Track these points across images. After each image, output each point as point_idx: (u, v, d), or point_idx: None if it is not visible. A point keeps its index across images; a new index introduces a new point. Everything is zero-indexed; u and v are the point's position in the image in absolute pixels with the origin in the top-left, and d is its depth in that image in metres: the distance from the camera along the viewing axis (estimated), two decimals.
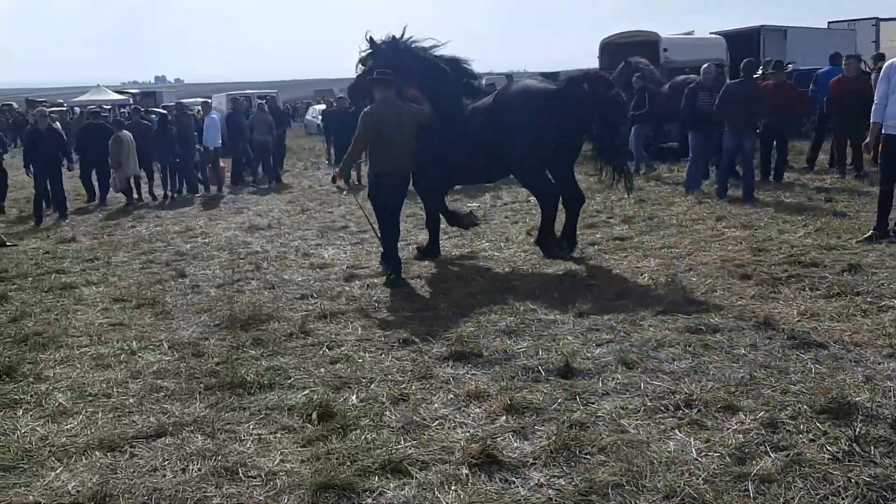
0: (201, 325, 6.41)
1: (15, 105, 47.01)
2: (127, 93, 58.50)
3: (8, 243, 11.06)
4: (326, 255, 9.15)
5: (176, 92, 69.18)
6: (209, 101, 21.81)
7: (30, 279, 8.61)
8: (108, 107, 38.38)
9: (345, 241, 10.05)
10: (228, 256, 9.42)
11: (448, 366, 5.05)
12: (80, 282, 8.34)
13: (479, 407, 4.29)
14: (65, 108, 37.69)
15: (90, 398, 4.89)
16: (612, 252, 8.19)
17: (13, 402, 4.85)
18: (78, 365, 5.54)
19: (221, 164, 16.85)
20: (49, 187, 13.32)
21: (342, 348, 5.61)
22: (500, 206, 11.97)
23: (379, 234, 7.97)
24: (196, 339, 6.03)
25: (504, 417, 4.11)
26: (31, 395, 4.96)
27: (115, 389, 5.02)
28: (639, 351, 5.01)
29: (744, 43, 20.91)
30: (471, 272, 7.74)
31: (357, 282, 7.69)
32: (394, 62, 7.95)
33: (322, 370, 5.17)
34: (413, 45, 8.27)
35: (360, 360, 5.28)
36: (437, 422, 4.15)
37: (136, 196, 15.10)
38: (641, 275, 7.11)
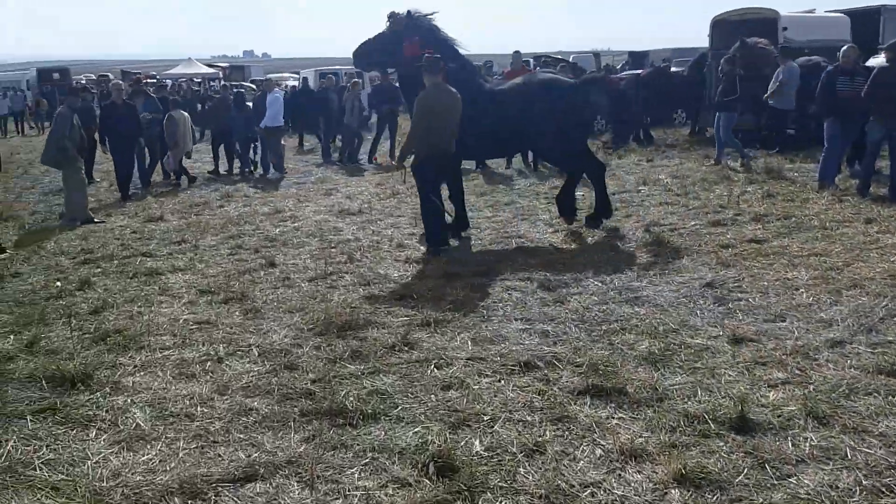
0: (293, 329, 5.75)
1: (111, 76, 48.11)
2: (217, 66, 59.28)
3: (96, 220, 10.75)
4: (422, 248, 8.41)
5: (264, 67, 69.85)
6: (270, 78, 20.89)
7: (115, 262, 8.17)
8: (199, 80, 38.70)
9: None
10: (319, 244, 8.78)
11: (586, 403, 4.21)
12: (166, 268, 7.84)
13: (640, 472, 3.44)
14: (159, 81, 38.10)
15: (171, 419, 4.27)
16: (751, 258, 7.15)
17: (87, 420, 4.27)
18: (160, 373, 4.96)
19: (283, 143, 16.24)
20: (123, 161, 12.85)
21: (452, 368, 4.84)
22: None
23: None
24: (288, 346, 5.37)
25: (677, 492, 3.25)
26: (107, 411, 4.38)
27: (199, 409, 4.38)
28: (827, 399, 4.06)
29: (863, 23, 19.09)
30: (584, 271, 6.86)
31: (459, 282, 6.91)
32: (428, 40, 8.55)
33: (433, 397, 4.41)
34: (433, 24, 8.81)
35: (477, 388, 4.50)
36: (588, 490, 3.32)
37: (191, 176, 14.61)
38: (796, 289, 6.08)
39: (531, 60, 24.93)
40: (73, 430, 4.17)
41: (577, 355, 4.91)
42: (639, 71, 24.42)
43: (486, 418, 4.07)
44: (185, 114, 14.54)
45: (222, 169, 15.59)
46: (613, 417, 4.02)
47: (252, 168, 15.61)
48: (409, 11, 8.70)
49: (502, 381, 4.58)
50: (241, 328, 5.83)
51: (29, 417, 4.29)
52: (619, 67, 35.95)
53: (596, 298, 6.18)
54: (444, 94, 7.91)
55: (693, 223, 8.83)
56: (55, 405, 4.43)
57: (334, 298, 6.51)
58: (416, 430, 3.99)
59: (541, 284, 6.63)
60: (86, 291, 7.05)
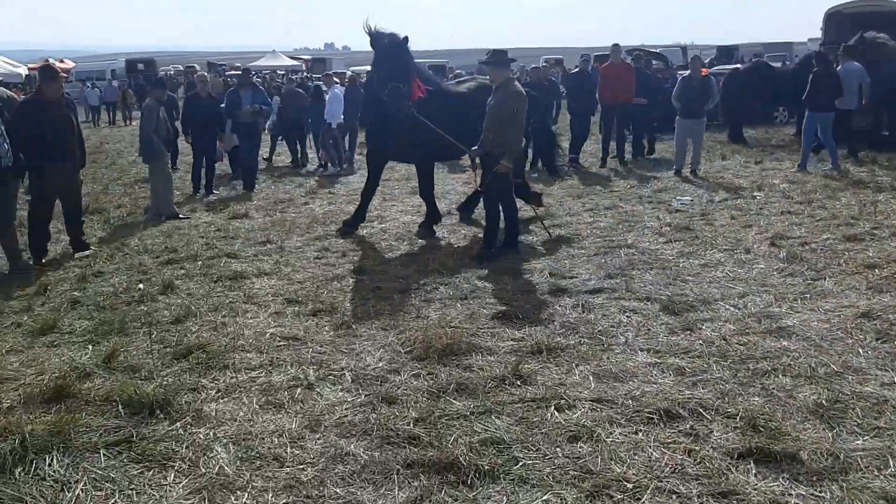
0: (389, 351, 5.17)
1: (197, 67, 49.00)
2: (299, 59, 59.85)
3: (181, 215, 10.47)
4: (523, 253, 7.74)
5: (345, 59, 70.21)
6: (330, 73, 20.15)
7: (199, 263, 7.78)
8: (283, 72, 38.88)
9: (535, 237, 8.60)
10: (408, 248, 8.22)
11: (750, 471, 3.47)
12: (252, 271, 7.40)
13: None
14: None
15: (258, 461, 3.74)
16: None
17: (165, 458, 3.77)
18: (245, 400, 4.44)
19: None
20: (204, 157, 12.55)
21: (576, 413, 4.15)
22: (720, 203, 10.04)
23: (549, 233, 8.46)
24: (384, 372, 4.79)
25: None
26: (188, 447, 3.87)
27: (288, 450, 3.83)
28: None
29: None
30: (710, 291, 6.05)
31: (568, 299, 6.22)
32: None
33: (559, 451, 3.74)
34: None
35: (610, 442, 3.81)
36: None
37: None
38: None
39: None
40: (149, 469, 3.68)
41: (726, 403, 4.15)
42: (736, 66, 23.12)
43: (629, 486, 3.37)
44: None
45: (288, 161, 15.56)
46: (790, 494, 3.27)
47: (304, 162, 15.64)
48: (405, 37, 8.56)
49: (640, 434, 3.87)
50: (333, 347, 5.29)
51: (102, 452, 3.82)
52: (706, 62, 34.37)
53: (732, 327, 5.39)
54: (521, 93, 7.66)
55: (825, 237, 7.88)
56: (131, 437, 3.95)
57: (431, 315, 5.90)
58: (545, 497, 3.33)
59: (664, 306, 5.88)
60: (168, 296, 6.65)
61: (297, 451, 3.82)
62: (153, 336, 5.49)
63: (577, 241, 8.26)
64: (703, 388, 4.38)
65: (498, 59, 7.75)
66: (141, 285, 6.96)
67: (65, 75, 32.85)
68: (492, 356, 5.01)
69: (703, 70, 13.25)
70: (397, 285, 6.79)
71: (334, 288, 6.78)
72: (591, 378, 4.62)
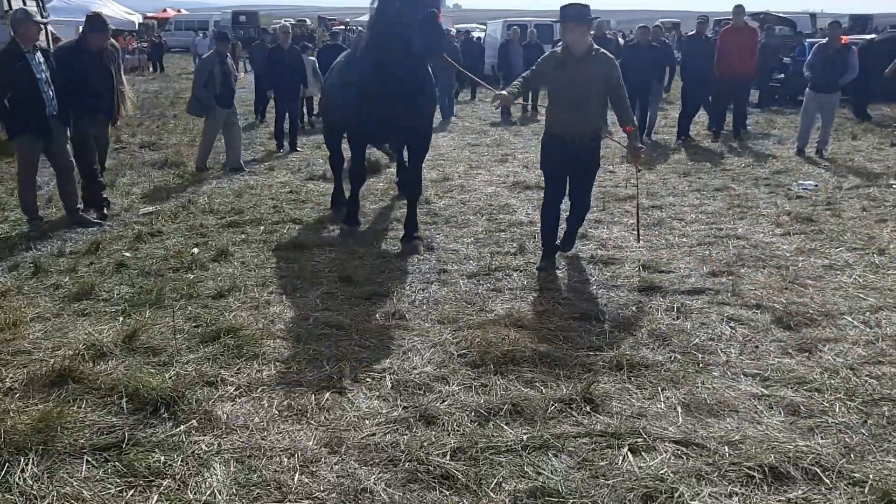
0: (440, 351, 4.44)
1: (308, 22, 49.06)
2: None
3: (246, 170, 10.09)
4: (613, 238, 6.83)
5: (453, 16, 68.99)
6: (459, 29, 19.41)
7: (261, 228, 7.25)
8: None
9: (632, 217, 7.62)
10: (486, 226, 7.43)
11: None
12: (314, 241, 6.82)
13: None
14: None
15: (256, 490, 3.10)
16: None
17: (153, 474, 3.18)
18: (265, 402, 3.82)
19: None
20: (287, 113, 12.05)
21: (655, 459, 3.32)
22: (849, 192, 8.74)
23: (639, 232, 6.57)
24: (430, 380, 4.07)
25: None
26: (183, 461, 3.28)
27: (296, 476, 3.18)
28: None
29: None
30: (836, 302, 5.02)
31: (661, 299, 5.32)
32: None
33: None
34: None
35: None
36: None
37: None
38: None
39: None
40: (132, 487, 3.10)
41: (852, 462, 3.23)
42: (870, 36, 20.93)
43: None
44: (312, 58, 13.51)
45: None
46: None
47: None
48: None
49: (735, 500, 3.01)
50: (378, 341, 4.61)
51: (87, 458, 3.28)
52: None
53: (862, 352, 4.38)
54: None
55: None
56: (123, 441, 3.40)
57: (497, 309, 5.13)
58: None
59: (776, 318, 4.89)
60: (220, 264, 6.14)
61: (307, 480, 3.17)
62: (187, 312, 4.99)
63: (679, 228, 7.27)
64: (821, 438, 3.45)
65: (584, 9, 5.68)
66: (195, 250, 6.50)
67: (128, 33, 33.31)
68: (560, 369, 4.20)
69: (843, 38, 11.68)
70: (465, 268, 6.04)
71: (395, 267, 6.10)
72: (680, 409, 3.75)
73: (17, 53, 6.79)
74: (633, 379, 4.08)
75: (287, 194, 8.83)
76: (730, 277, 5.71)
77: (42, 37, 10.46)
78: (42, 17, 12.91)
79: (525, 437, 3.46)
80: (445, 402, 3.82)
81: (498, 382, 4.03)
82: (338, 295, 5.42)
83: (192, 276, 5.80)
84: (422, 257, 6.36)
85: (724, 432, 3.51)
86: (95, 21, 7.50)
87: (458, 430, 3.53)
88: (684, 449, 3.38)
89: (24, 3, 11.98)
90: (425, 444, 3.41)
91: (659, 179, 9.53)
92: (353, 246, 6.68)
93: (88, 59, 7.37)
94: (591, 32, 6.26)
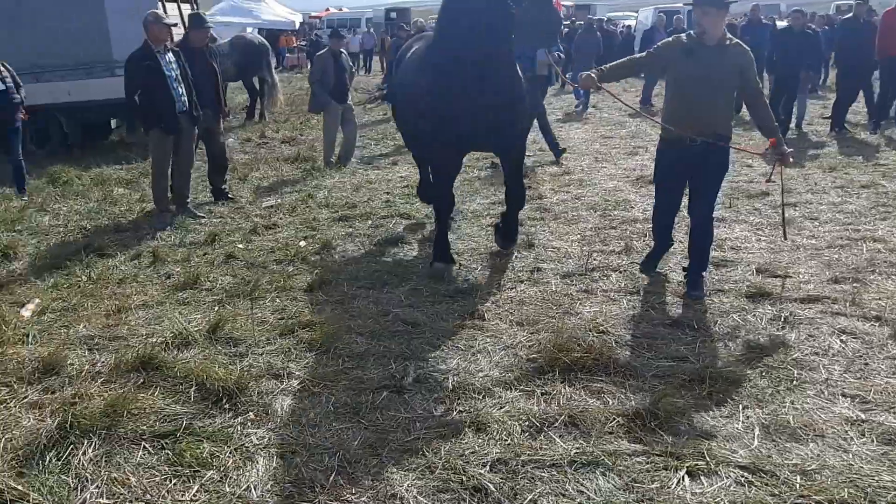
0: (510, 354, 4.29)
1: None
2: (563, 5, 58.22)
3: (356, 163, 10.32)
4: (732, 238, 6.35)
5: (609, 5, 67.31)
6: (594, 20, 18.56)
7: (369, 223, 7.36)
8: None
9: (759, 216, 7.07)
10: (598, 222, 7.13)
11: None
12: (415, 236, 6.84)
13: None
14: None
15: (290, 488, 3.11)
16: None
17: (201, 464, 3.27)
18: (323, 399, 3.84)
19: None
20: None
21: (713, 486, 3.02)
22: None
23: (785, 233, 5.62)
24: (492, 384, 3.93)
25: None
26: (230, 454, 3.35)
27: (332, 476, 3.16)
28: None
29: None
30: None
31: (769, 307, 4.87)
32: None
33: None
34: None
35: None
36: None
37: None
38: None
39: None
40: (177, 477, 3.21)
41: None
42: None
43: None
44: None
45: None
46: None
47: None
48: None
49: None
50: (451, 340, 4.52)
51: (144, 444, 3.43)
52: None
53: None
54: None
55: None
56: (180, 430, 3.52)
57: (584, 312, 4.89)
58: None
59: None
60: (322, 257, 6.29)
61: (341, 481, 3.14)
62: (276, 304, 5.14)
63: (810, 228, 6.65)
64: None
65: None
66: (302, 243, 6.70)
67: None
68: (633, 380, 3.93)
69: None
70: (562, 268, 5.82)
71: (488, 265, 5.98)
72: (757, 431, 3.40)
73: (148, 53, 7.28)
74: (713, 395, 3.75)
75: (402, 189, 8.90)
76: (854, 285, 5.14)
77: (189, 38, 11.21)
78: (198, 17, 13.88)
79: (574, 452, 3.26)
80: (501, 409, 3.68)
81: (562, 391, 3.83)
82: (423, 292, 5.38)
83: (291, 269, 5.97)
84: (518, 255, 6.19)
85: (802, 460, 3.14)
86: (196, 18, 7.89)
87: (505, 440, 3.39)
88: (750, 476, 3.05)
89: (181, 7, 12.80)
90: (467, 452, 3.29)
91: (800, 175, 8.77)
92: (453, 242, 6.61)
93: (191, 56, 7.75)
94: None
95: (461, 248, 6.42)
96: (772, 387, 3.79)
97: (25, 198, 8.65)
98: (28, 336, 4.65)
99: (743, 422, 3.49)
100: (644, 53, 5.30)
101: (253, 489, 3.10)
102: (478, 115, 5.27)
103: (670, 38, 5.26)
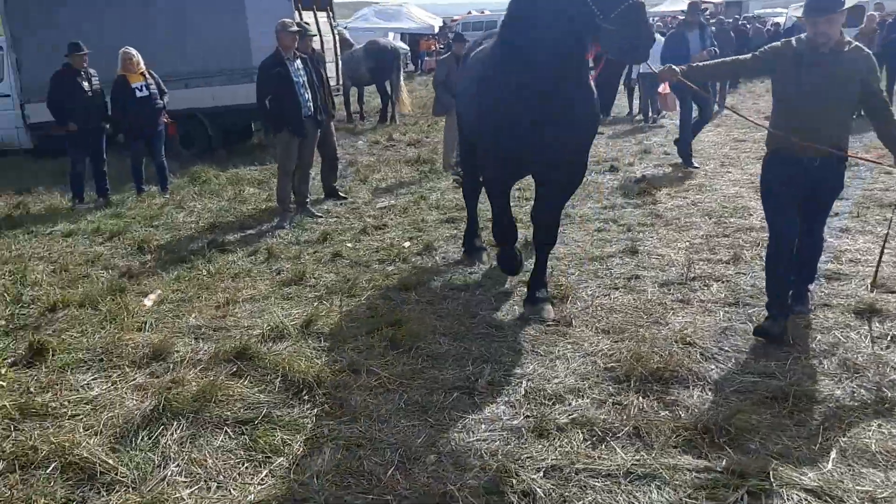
0: (588, 362, 4.25)
1: None
2: (709, 2, 56.09)
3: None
4: (853, 250, 5.95)
5: (763, 1, 63.92)
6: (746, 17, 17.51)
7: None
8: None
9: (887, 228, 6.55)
10: (710, 229, 6.87)
11: None
12: (519, 241, 6.84)
13: None
14: None
15: (347, 480, 3.26)
16: None
17: (274, 450, 3.49)
18: (396, 397, 3.97)
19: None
20: None
21: None
22: None
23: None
24: (565, 392, 3.92)
25: None
26: (303, 442, 3.55)
27: (391, 471, 3.28)
28: None
29: None
30: None
31: (876, 325, 4.56)
32: None
33: None
34: None
35: None
36: None
37: None
38: None
39: None
40: (250, 462, 3.44)
41: None
42: None
43: None
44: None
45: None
46: None
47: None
48: None
49: None
50: (531, 345, 4.53)
51: (226, 429, 3.69)
52: None
53: None
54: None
55: None
56: (260, 417, 3.76)
57: (674, 322, 4.76)
58: None
59: None
60: (422, 257, 6.46)
61: (398, 476, 3.26)
62: (370, 302, 5.33)
63: None
64: None
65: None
66: (406, 244, 6.89)
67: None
68: (711, 394, 3.81)
69: None
70: (662, 276, 5.67)
71: (588, 270, 5.92)
72: (834, 454, 3.22)
73: (278, 61, 7.73)
74: (794, 414, 3.57)
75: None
76: None
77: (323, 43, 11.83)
78: (332, 26, 14.52)
79: (632, 463, 3.21)
80: (569, 417, 3.66)
81: (635, 401, 3.77)
82: (515, 294, 5.42)
83: (391, 269, 6.17)
84: (620, 261, 6.09)
85: (874, 487, 2.95)
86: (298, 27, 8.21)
87: (564, 447, 3.38)
88: (814, 500, 2.91)
89: (316, 16, 13.43)
90: (524, 456, 3.32)
91: None
92: (569, 250, 6.57)
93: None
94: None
95: (562, 252, 6.38)
96: (859, 409, 3.56)
97: (167, 196, 9.39)
98: (145, 324, 5.09)
99: (821, 444, 3.31)
100: (749, 56, 4.79)
101: (315, 478, 3.26)
102: (537, 135, 4.60)
103: (779, 43, 4.72)
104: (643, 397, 3.81)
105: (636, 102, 15.42)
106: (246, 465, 3.40)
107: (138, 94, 9.04)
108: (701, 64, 4.97)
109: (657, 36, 10.16)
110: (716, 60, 5.02)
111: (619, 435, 3.46)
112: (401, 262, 6.33)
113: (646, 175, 9.30)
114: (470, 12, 60.10)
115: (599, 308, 5.10)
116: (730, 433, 3.38)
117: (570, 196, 5.27)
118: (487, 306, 5.21)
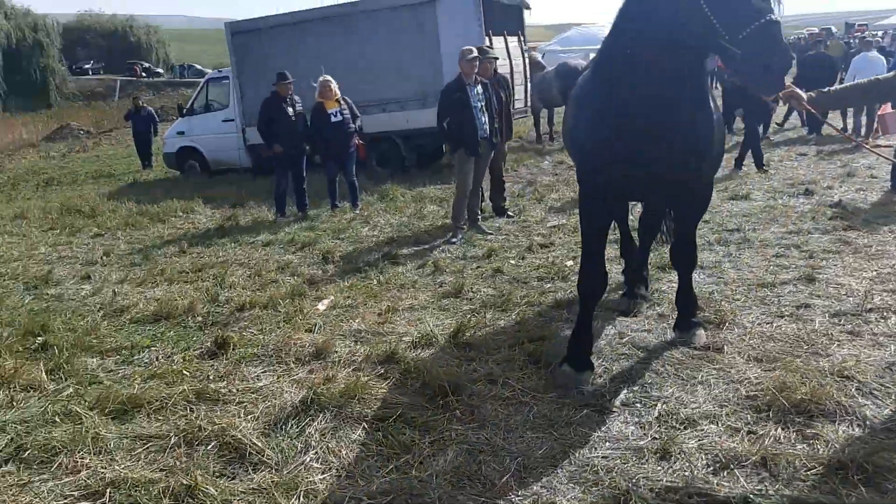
0: (731, 390, 4.07)
1: (833, 29, 45.15)
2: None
3: None
4: None
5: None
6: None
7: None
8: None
9: None
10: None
11: None
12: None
13: None
14: None
15: (465, 481, 3.40)
16: None
17: (403, 447, 3.71)
18: (526, 408, 4.06)
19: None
20: None
21: None
22: None
23: None
24: (699, 416, 3.80)
25: None
26: (429, 444, 3.75)
27: (505, 478, 3.38)
28: None
29: None
30: None
31: None
32: None
33: None
34: None
35: None
36: None
37: None
38: None
39: None
40: (380, 457, 3.67)
41: None
42: None
43: None
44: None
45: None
46: None
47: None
48: None
49: None
50: (674, 369, 4.43)
51: (363, 425, 3.98)
52: None
53: None
54: None
55: None
56: (395, 416, 4.00)
57: (835, 354, 4.43)
58: None
59: None
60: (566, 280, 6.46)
61: (511, 483, 3.35)
62: (520, 318, 5.46)
63: None
64: None
65: None
66: (569, 262, 6.93)
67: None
68: (859, 430, 3.53)
69: None
70: (836, 306, 5.27)
71: (755, 296, 5.63)
72: None
73: (459, 86, 8.14)
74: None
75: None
76: None
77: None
78: (522, 50, 14.80)
79: (751, 493, 3.07)
80: (697, 442, 3.56)
81: (772, 432, 3.58)
82: (671, 318, 5.29)
83: (549, 286, 6.24)
84: (794, 288, 5.73)
85: None
86: (481, 53, 8.45)
87: (683, 471, 3.30)
88: None
89: (507, 41, 13.80)
90: (639, 476, 3.28)
91: None
92: (726, 269, 6.32)
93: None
94: None
95: (733, 276, 6.12)
96: None
97: (357, 211, 10.11)
98: (315, 326, 5.56)
99: None
100: (882, 78, 4.20)
101: (435, 476, 3.44)
102: (643, 159, 4.04)
103: None
104: (782, 429, 3.61)
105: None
106: (376, 458, 3.65)
107: (333, 119, 9.83)
108: (841, 87, 4.46)
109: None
110: (857, 82, 4.38)
111: (746, 463, 3.32)
112: (560, 281, 6.38)
113: (843, 199, 8.61)
114: None
115: (757, 336, 4.85)
116: (867, 471, 3.13)
117: (698, 223, 4.89)
118: (638, 328, 5.14)
